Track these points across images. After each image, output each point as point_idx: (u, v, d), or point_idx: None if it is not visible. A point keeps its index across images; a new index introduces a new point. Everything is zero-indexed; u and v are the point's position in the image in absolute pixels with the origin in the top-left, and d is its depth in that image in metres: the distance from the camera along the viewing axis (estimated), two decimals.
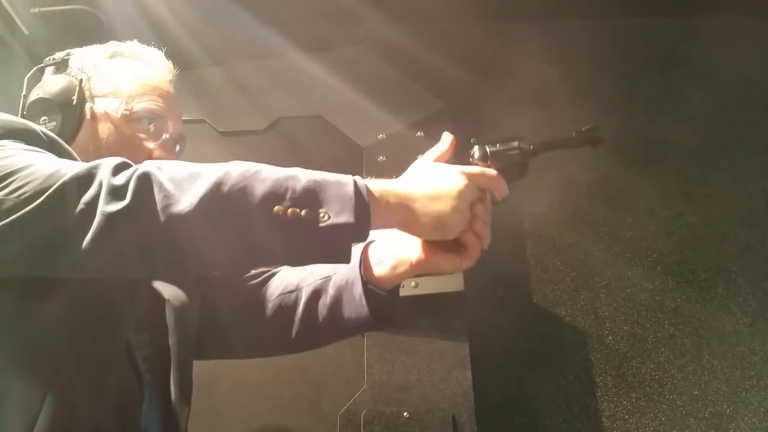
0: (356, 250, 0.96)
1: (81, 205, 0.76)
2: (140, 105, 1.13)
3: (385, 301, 1.02)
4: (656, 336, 1.83)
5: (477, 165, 0.97)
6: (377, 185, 0.85)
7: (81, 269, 0.79)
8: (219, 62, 2.04)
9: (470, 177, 0.90)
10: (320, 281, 1.08)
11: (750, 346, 1.81)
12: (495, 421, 1.71)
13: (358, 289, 1.02)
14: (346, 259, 0.81)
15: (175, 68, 1.24)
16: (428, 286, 1.64)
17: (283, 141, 1.97)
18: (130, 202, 0.75)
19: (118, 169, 0.78)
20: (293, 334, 1.10)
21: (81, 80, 1.12)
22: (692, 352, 1.81)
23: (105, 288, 0.92)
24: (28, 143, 0.89)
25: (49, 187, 0.77)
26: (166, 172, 0.78)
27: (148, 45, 1.24)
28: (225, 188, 0.76)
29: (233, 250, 0.80)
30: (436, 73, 2.01)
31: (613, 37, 2.15)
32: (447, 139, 0.98)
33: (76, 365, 0.87)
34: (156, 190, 0.76)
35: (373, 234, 0.84)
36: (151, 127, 1.14)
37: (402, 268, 0.98)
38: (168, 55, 1.24)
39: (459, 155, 0.98)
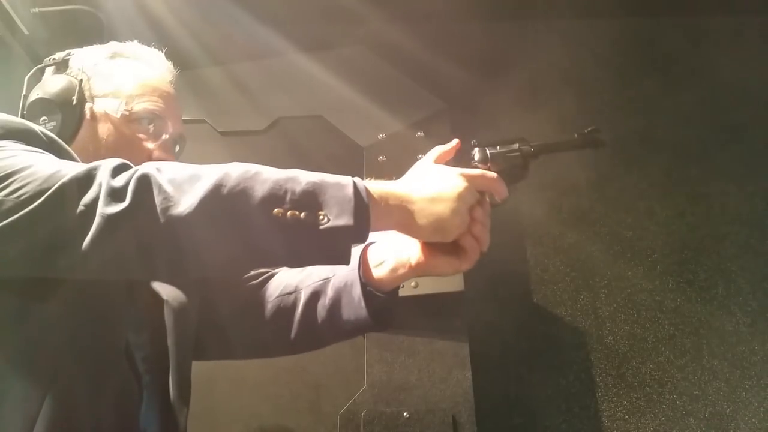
0: (355, 251, 0.96)
1: (81, 207, 0.76)
2: (140, 105, 1.13)
3: (384, 303, 1.02)
4: (656, 336, 1.83)
5: (477, 167, 0.97)
6: (377, 187, 0.85)
7: (81, 270, 0.80)
8: (219, 62, 2.04)
9: (470, 179, 0.90)
10: (319, 283, 1.08)
11: (750, 346, 1.81)
12: (495, 421, 1.71)
13: (357, 291, 1.02)
14: (345, 260, 0.81)
15: (175, 68, 1.24)
16: (428, 286, 1.63)
17: (283, 141, 1.97)
18: (130, 203, 0.75)
19: (117, 171, 0.78)
20: (292, 335, 1.11)
21: (81, 80, 1.12)
22: (692, 352, 1.81)
23: (104, 289, 0.92)
24: (28, 144, 0.89)
25: (49, 188, 0.77)
26: (166, 173, 0.78)
27: (148, 45, 1.23)
28: (225, 190, 0.76)
29: (233, 252, 0.80)
30: (436, 73, 2.00)
31: (613, 37, 2.15)
32: (452, 142, 0.99)
33: (75, 365, 0.87)
34: (155, 191, 0.76)
35: (373, 236, 0.84)
36: (151, 127, 1.13)
37: (401, 271, 0.98)
38: (168, 56, 1.24)
39: (459, 156, 0.98)
